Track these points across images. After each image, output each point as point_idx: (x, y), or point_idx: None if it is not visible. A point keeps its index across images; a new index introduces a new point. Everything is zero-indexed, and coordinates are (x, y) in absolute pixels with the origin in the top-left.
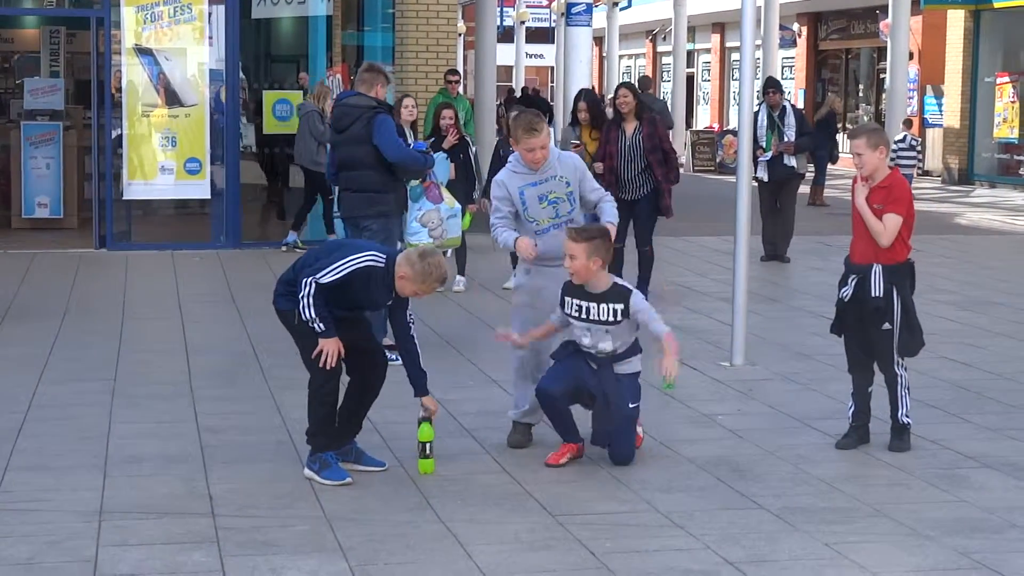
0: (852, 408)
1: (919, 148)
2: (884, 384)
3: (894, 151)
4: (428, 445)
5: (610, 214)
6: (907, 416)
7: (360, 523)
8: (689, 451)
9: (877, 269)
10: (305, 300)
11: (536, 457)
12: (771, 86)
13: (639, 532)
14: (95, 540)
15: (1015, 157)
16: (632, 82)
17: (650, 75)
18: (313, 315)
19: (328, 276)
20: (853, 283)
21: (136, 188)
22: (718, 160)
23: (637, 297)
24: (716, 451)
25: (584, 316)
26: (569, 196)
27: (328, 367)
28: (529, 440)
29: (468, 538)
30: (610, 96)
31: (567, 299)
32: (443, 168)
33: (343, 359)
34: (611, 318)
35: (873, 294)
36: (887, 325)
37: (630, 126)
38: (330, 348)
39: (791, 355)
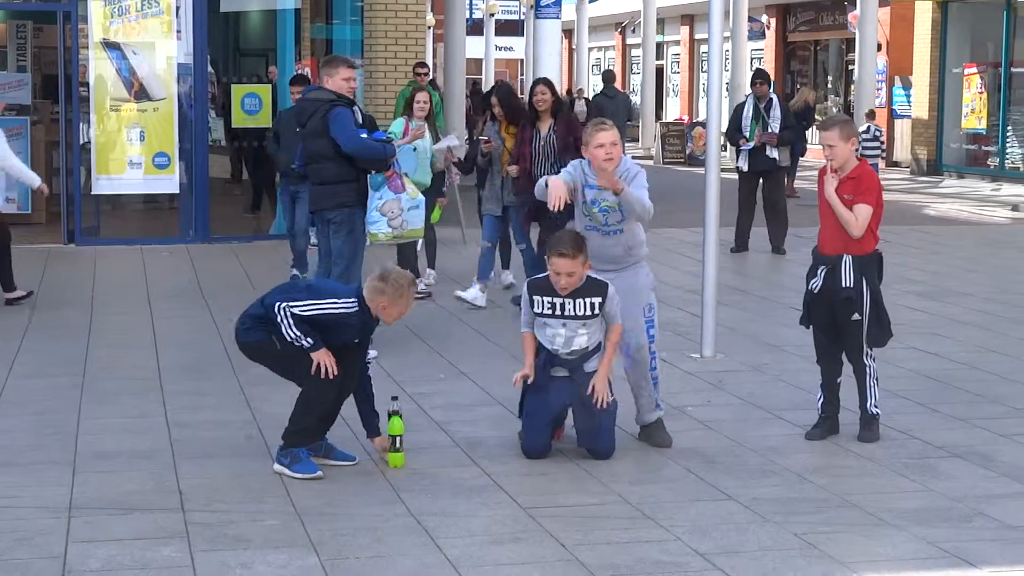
0: (821, 399)
1: (882, 139)
2: (853, 375)
3: (860, 142)
4: (398, 439)
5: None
6: (876, 407)
7: (330, 517)
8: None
9: (847, 260)
10: (285, 323)
11: (506, 450)
12: (759, 77)
13: (609, 524)
14: (64, 536)
15: (983, 148)
16: (548, 77)
17: (616, 68)
18: (297, 333)
19: (301, 309)
20: (822, 274)
21: (104, 183)
22: (688, 152)
23: (612, 288)
24: (686, 442)
25: (559, 313)
26: (621, 206)
27: (331, 376)
28: None
29: (438, 531)
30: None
31: (536, 298)
32: (408, 159)
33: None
34: (588, 312)
35: (843, 284)
36: (856, 316)
37: (544, 125)
38: (324, 359)
39: (761, 346)
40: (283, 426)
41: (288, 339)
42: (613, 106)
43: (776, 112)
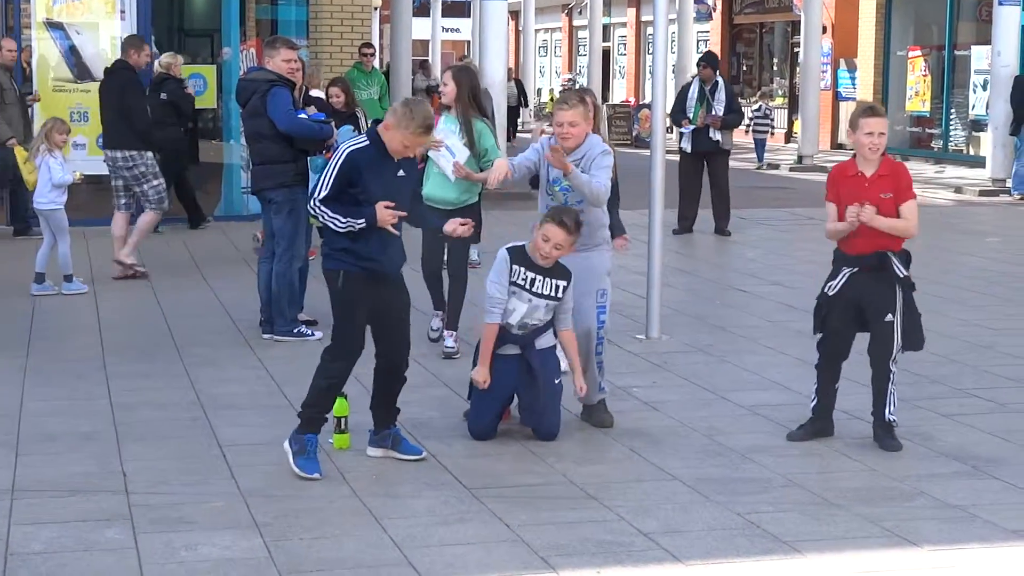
0: (815, 401)
1: (772, 117)
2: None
3: (750, 119)
4: (343, 420)
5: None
6: (892, 415)
7: (275, 499)
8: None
9: (886, 256)
10: (324, 218)
11: (452, 431)
12: (704, 60)
13: (554, 504)
14: (7, 518)
15: (927, 130)
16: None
17: (563, 50)
18: (342, 219)
19: (324, 190)
20: (845, 276)
21: None
22: (634, 134)
23: (573, 280)
24: (631, 423)
25: (529, 287)
26: None
27: (395, 219)
28: None
29: (383, 512)
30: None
31: (515, 267)
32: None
33: (371, 325)
34: (554, 293)
35: (901, 275)
36: (889, 317)
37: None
38: (385, 216)
39: (706, 327)
40: (227, 407)
41: (340, 229)
42: None
43: (721, 95)
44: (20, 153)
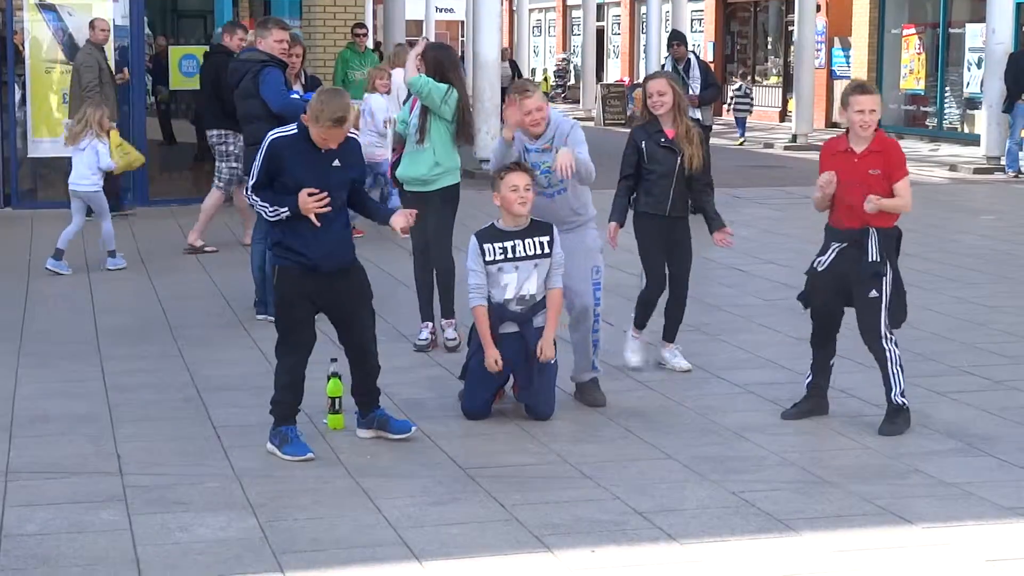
0: (809, 378)
1: (752, 96)
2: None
3: (730, 98)
4: (337, 400)
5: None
6: (902, 396)
7: (269, 479)
8: None
9: (872, 232)
10: (256, 206)
11: (446, 410)
12: (675, 39)
13: (548, 484)
14: (1, 501)
15: (921, 108)
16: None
17: (557, 30)
18: (270, 206)
19: (253, 178)
20: (834, 252)
21: (41, 146)
22: (629, 113)
23: (556, 231)
24: (626, 402)
25: (511, 256)
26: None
27: (321, 206)
28: None
29: (377, 492)
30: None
31: (486, 246)
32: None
33: (328, 318)
34: (539, 251)
35: (871, 259)
36: (874, 292)
37: None
38: (308, 204)
39: (700, 306)
40: (221, 389)
41: (269, 218)
42: None
43: (696, 72)
44: (115, 137)
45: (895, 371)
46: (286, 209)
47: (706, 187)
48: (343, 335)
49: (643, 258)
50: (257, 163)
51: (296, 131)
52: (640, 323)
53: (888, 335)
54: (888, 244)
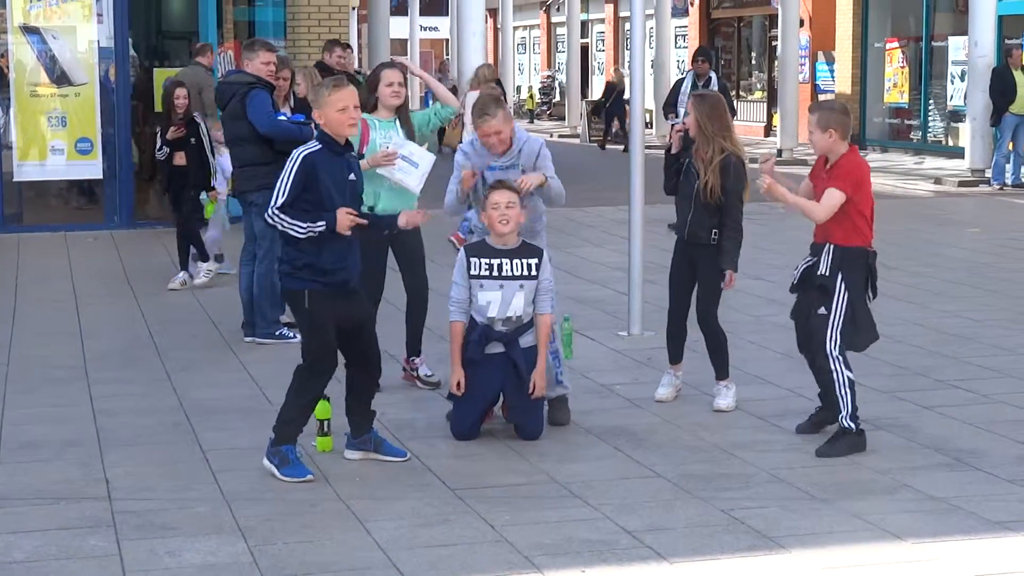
0: (820, 391)
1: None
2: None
3: None
4: (326, 423)
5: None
6: (850, 419)
7: (258, 503)
8: (587, 422)
9: (829, 248)
10: (283, 226)
11: (434, 431)
12: (701, 55)
13: (537, 504)
14: None
15: (905, 122)
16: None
17: (542, 47)
18: (302, 224)
19: (280, 197)
20: (803, 266)
21: (27, 169)
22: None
23: (547, 255)
24: (614, 421)
25: (496, 274)
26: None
27: (355, 223)
28: None
29: (366, 515)
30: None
31: (473, 260)
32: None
33: (339, 343)
34: (526, 272)
35: (819, 271)
36: (823, 310)
37: None
38: (344, 221)
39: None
40: (209, 412)
41: (301, 236)
42: None
43: (715, 90)
44: None
45: (843, 393)
46: (323, 224)
47: (726, 226)
48: (353, 354)
49: (669, 278)
50: (286, 181)
51: (319, 146)
52: (670, 356)
53: (835, 355)
54: (847, 263)
